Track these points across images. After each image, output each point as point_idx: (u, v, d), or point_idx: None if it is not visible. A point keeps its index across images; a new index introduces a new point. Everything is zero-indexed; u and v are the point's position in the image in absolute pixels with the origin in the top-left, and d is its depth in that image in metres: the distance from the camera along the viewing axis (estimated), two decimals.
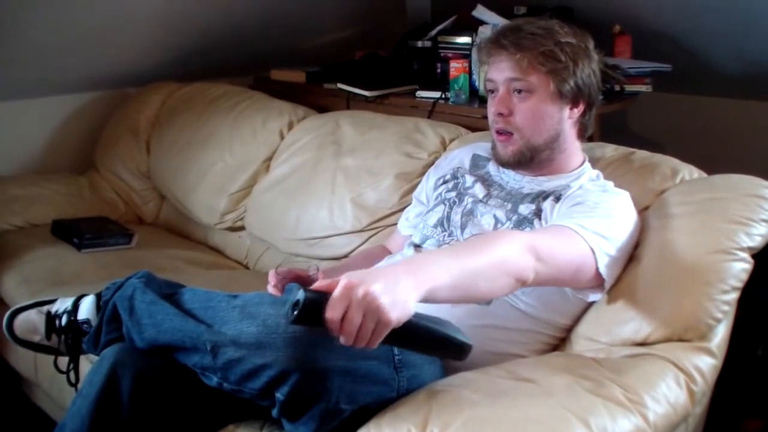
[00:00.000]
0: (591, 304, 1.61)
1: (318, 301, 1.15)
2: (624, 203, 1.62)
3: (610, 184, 1.70)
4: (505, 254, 1.33)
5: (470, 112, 2.55)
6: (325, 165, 2.36)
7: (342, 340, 1.14)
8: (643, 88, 2.58)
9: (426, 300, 1.20)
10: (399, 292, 1.15)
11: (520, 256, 1.34)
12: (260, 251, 2.54)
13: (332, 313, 1.13)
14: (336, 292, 1.14)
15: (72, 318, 1.65)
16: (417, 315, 1.21)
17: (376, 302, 1.12)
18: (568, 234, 1.48)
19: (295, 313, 1.16)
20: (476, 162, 1.85)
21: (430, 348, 1.30)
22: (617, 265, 1.55)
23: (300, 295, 1.16)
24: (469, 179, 1.81)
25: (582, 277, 1.50)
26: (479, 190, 1.76)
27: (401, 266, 1.22)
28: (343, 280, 1.14)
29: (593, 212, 1.55)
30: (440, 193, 1.84)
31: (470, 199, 1.75)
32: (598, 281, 1.52)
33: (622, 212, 1.60)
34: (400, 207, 2.15)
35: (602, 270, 1.49)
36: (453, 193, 1.80)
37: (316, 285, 1.18)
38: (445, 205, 1.79)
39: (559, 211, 1.61)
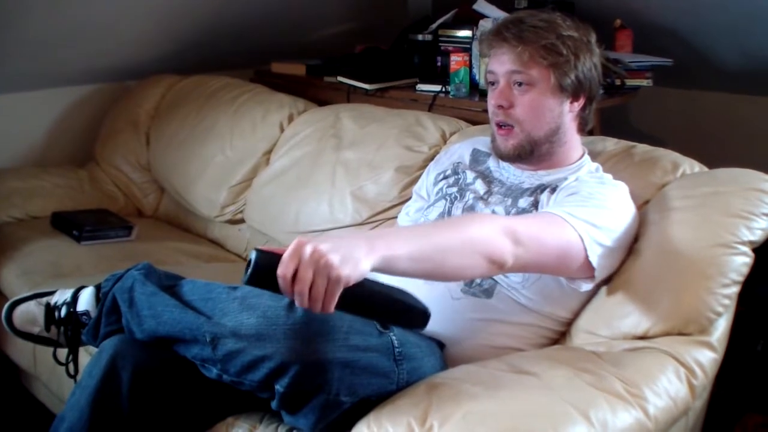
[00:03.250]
0: (591, 297, 1.61)
1: (271, 260, 1.17)
2: (620, 195, 1.62)
3: (608, 176, 1.70)
4: (477, 234, 1.33)
5: (471, 105, 2.55)
6: (326, 158, 2.35)
7: (296, 300, 1.16)
8: (643, 82, 2.58)
9: (384, 269, 1.21)
10: (351, 252, 1.17)
11: (494, 238, 1.34)
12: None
13: (282, 270, 1.15)
14: (287, 251, 1.16)
15: (71, 309, 1.65)
16: (375, 281, 1.21)
17: (325, 258, 1.14)
18: (554, 220, 1.48)
19: (249, 272, 1.17)
20: (476, 157, 1.85)
21: (389, 314, 1.31)
22: (612, 256, 1.55)
23: (253, 255, 1.17)
24: (470, 175, 1.80)
25: (570, 264, 1.49)
26: (480, 187, 1.76)
27: (360, 233, 1.23)
28: (294, 241, 1.17)
29: (586, 202, 1.55)
30: (441, 189, 1.83)
31: (471, 195, 1.75)
32: (589, 271, 1.51)
33: (617, 203, 1.59)
34: (400, 200, 2.15)
35: (592, 259, 1.49)
36: (454, 189, 1.80)
37: (271, 248, 1.20)
38: (447, 200, 1.78)
39: (554, 201, 1.61)
